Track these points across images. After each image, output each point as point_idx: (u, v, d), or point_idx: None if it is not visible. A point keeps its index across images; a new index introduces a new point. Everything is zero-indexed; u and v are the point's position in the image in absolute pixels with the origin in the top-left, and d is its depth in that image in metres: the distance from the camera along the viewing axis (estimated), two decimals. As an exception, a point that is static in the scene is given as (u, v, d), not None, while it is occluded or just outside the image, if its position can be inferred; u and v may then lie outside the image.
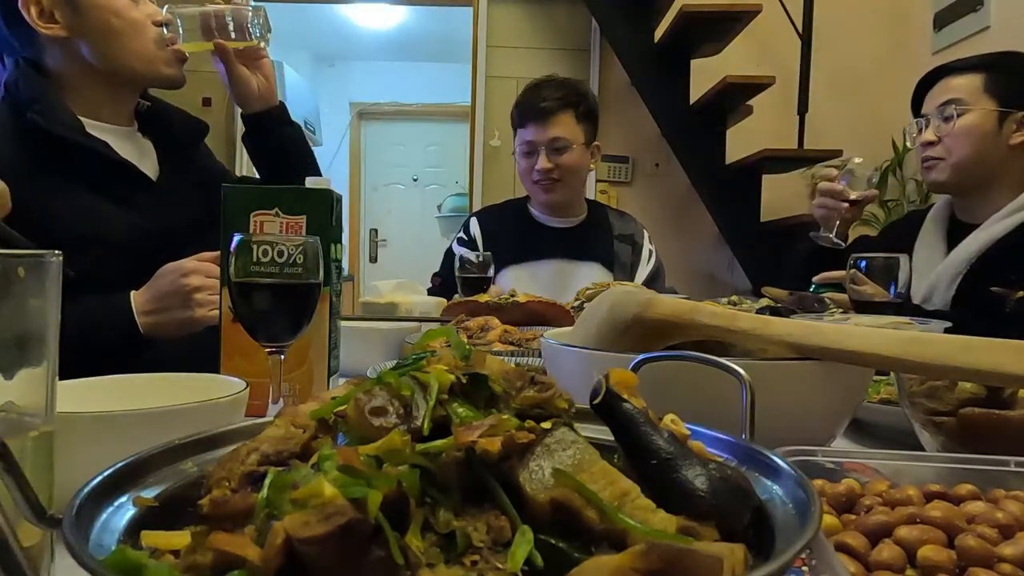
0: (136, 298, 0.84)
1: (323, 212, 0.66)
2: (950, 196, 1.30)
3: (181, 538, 0.21)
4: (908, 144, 1.30)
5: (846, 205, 1.25)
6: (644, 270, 1.52)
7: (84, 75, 0.95)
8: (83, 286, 0.72)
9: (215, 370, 0.64)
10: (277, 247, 0.55)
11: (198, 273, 0.82)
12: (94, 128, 0.94)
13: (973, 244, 1.17)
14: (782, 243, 2.65)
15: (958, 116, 1.18)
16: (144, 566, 0.20)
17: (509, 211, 1.59)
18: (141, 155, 1.00)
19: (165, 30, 0.97)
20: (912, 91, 1.32)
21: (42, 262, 0.29)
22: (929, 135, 1.21)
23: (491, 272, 1.23)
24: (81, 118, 0.93)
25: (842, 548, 0.26)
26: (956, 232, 1.24)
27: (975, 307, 1.06)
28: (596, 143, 1.52)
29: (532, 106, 1.45)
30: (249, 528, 0.21)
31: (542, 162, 1.44)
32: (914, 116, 1.29)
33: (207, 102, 2.96)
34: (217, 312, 0.82)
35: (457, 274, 1.22)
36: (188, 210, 0.99)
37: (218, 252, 0.82)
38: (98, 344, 0.77)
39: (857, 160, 1.27)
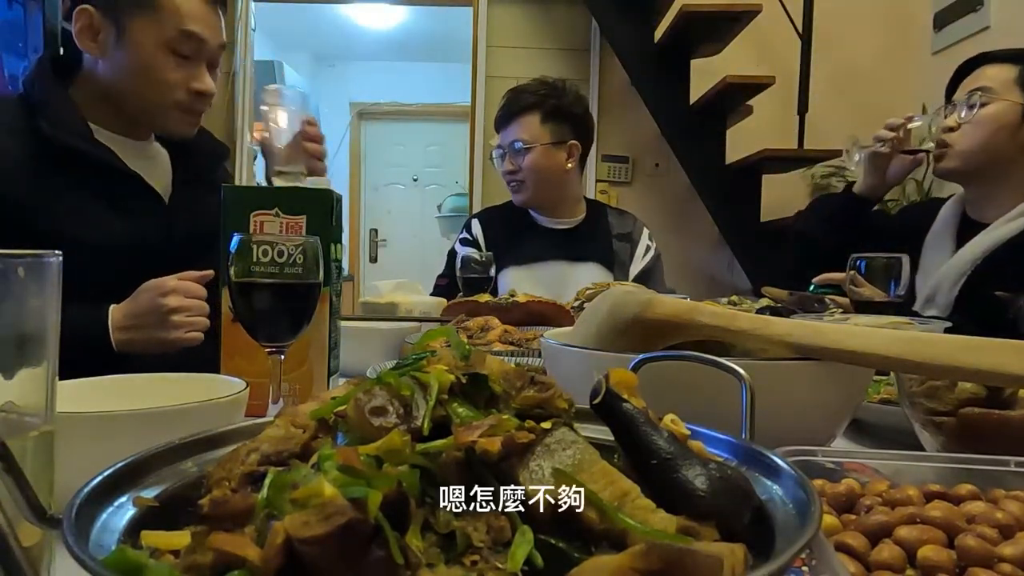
0: (114, 312, 0.83)
1: (323, 212, 0.66)
2: (962, 193, 1.27)
3: (181, 538, 0.21)
4: (932, 129, 1.25)
5: (891, 136, 1.21)
6: (638, 264, 1.52)
7: (103, 89, 0.95)
8: (78, 292, 0.72)
9: (211, 370, 0.64)
10: (277, 247, 0.55)
11: (178, 293, 0.81)
12: (104, 136, 0.94)
13: (979, 246, 1.15)
14: (782, 243, 2.65)
15: (982, 105, 1.15)
16: (144, 566, 0.20)
17: (509, 213, 1.60)
18: (153, 169, 0.99)
19: (267, 110, 0.96)
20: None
21: (42, 262, 0.29)
22: (950, 121, 1.18)
23: (493, 272, 1.23)
24: (92, 125, 0.93)
25: (842, 548, 0.26)
26: (966, 231, 1.21)
27: (977, 310, 1.05)
28: (573, 142, 1.50)
29: (501, 111, 1.48)
30: (249, 528, 0.21)
31: (505, 164, 1.48)
32: (946, 102, 1.24)
33: (208, 102, 2.96)
34: (195, 335, 0.82)
35: (459, 274, 1.22)
36: (196, 228, 0.97)
37: (204, 272, 0.82)
38: (69, 350, 0.76)
39: (918, 122, 1.24)
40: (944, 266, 1.18)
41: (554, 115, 1.46)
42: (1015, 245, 1.13)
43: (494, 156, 1.54)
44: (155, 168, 1.00)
